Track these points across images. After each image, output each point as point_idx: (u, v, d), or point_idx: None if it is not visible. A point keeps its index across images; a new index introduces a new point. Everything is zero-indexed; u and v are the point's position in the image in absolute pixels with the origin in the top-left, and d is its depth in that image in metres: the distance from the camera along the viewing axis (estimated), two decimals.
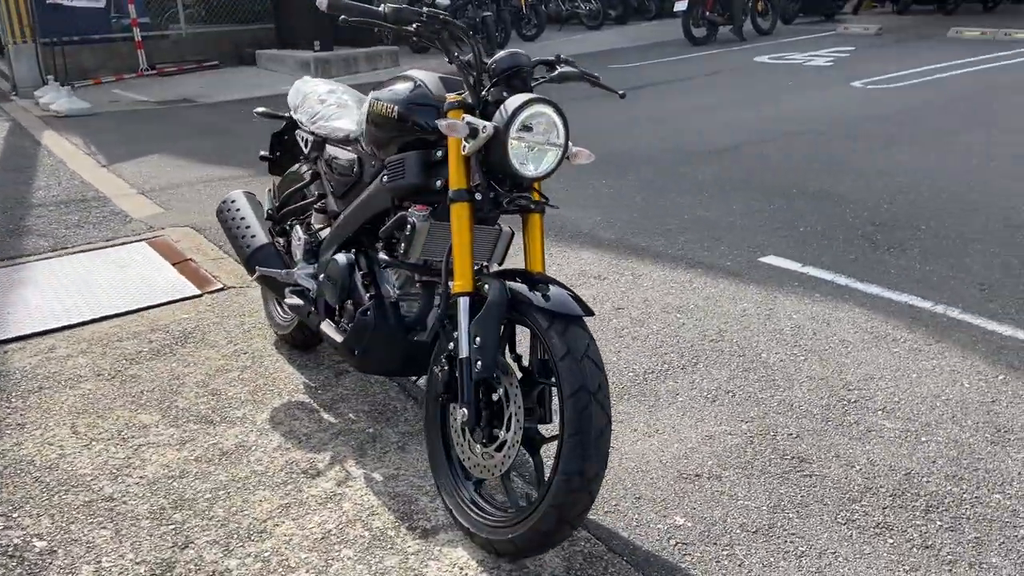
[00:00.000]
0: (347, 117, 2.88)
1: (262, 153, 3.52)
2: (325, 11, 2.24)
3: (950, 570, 2.11)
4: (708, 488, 2.45)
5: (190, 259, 4.52)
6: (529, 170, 2.14)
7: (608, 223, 4.91)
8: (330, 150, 2.86)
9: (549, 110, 2.13)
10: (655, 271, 4.16)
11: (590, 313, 2.00)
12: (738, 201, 5.23)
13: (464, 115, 2.16)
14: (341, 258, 2.67)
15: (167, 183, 6.30)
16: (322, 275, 2.79)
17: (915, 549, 2.18)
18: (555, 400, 2.03)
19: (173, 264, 4.44)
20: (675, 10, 13.23)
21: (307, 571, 2.14)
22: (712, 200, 5.28)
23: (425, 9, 2.23)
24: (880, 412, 2.83)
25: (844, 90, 8.81)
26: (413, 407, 2.94)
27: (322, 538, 2.27)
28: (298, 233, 3.00)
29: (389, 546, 2.23)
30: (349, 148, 2.76)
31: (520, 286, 2.08)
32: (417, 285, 2.55)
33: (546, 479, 2.02)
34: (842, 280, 3.96)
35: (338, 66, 12.05)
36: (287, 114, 3.31)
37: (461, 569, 2.13)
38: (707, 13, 13.38)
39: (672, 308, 3.71)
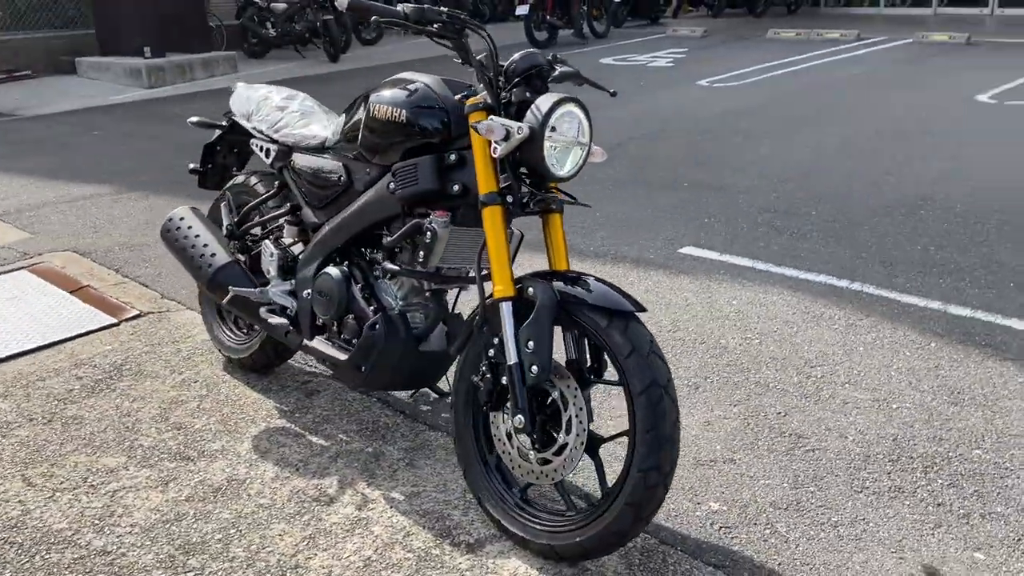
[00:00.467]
0: (316, 123, 2.75)
1: (192, 166, 3.29)
2: (345, 11, 2.15)
3: (967, 522, 2.29)
4: (727, 472, 2.53)
5: (87, 286, 4.13)
6: (560, 170, 2.13)
7: (518, 225, 4.93)
8: (301, 159, 2.72)
9: (578, 109, 2.13)
10: (584, 268, 4.22)
11: (642, 309, 2.02)
12: (639, 196, 5.41)
13: (491, 116, 2.12)
14: (334, 271, 2.55)
15: (22, 204, 5.72)
16: (306, 291, 2.65)
17: (930, 508, 2.35)
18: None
19: (71, 292, 4.05)
20: (517, 14, 13.44)
21: None
22: (614, 196, 5.43)
23: (445, 9, 2.17)
24: (847, 385, 3.02)
25: (693, 89, 9.29)
26: (405, 421, 2.85)
27: (364, 566, 2.16)
28: (269, 248, 2.83)
29: (439, 565, 2.15)
30: (327, 156, 2.64)
31: (567, 287, 2.06)
32: (426, 294, 2.47)
33: (609, 478, 2.02)
34: (761, 265, 4.19)
35: (172, 73, 11.39)
36: (225, 122, 3.12)
37: None
38: (548, 17, 13.70)
39: None
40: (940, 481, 2.47)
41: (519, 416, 2.07)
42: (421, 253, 2.30)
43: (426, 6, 2.16)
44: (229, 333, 3.24)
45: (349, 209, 2.54)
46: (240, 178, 3.11)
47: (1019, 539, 2.22)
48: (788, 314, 3.63)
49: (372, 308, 2.48)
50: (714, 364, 3.20)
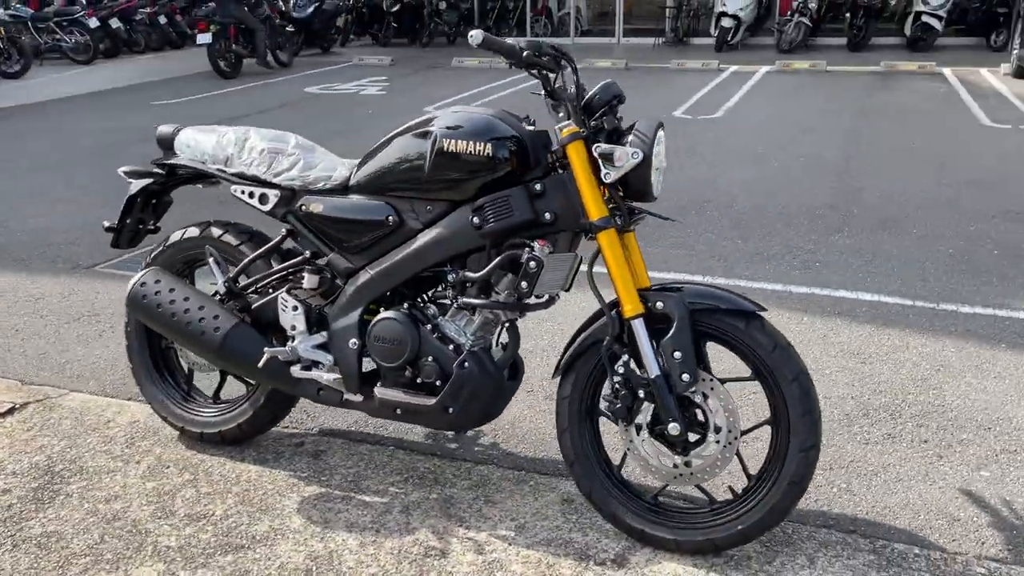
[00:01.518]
0: (324, 163, 2.58)
1: (108, 223, 2.89)
2: (477, 47, 2.12)
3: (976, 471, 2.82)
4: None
5: None
6: (656, 191, 2.28)
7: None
8: (318, 203, 2.53)
9: (663, 134, 2.30)
10: None
11: (764, 308, 2.24)
12: None
13: (599, 144, 2.21)
14: (396, 315, 2.43)
15: None
16: (351, 341, 2.49)
17: (940, 459, 2.85)
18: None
19: None
20: (199, 42, 12.75)
21: None
22: None
23: (549, 46, 2.23)
24: None
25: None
26: (444, 463, 2.76)
27: None
28: (289, 302, 2.57)
29: None
30: (360, 196, 2.49)
31: (694, 297, 2.22)
32: (506, 325, 2.46)
33: (758, 466, 2.22)
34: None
35: None
36: (161, 170, 2.78)
37: (692, 574, 2.20)
38: (233, 46, 13.16)
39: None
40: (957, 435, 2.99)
41: (673, 424, 2.19)
42: (524, 284, 2.30)
43: (540, 40, 2.23)
44: (197, 406, 2.87)
45: (406, 249, 2.43)
46: (193, 231, 2.78)
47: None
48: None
49: (451, 347, 2.41)
50: None
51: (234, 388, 2.91)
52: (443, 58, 14.93)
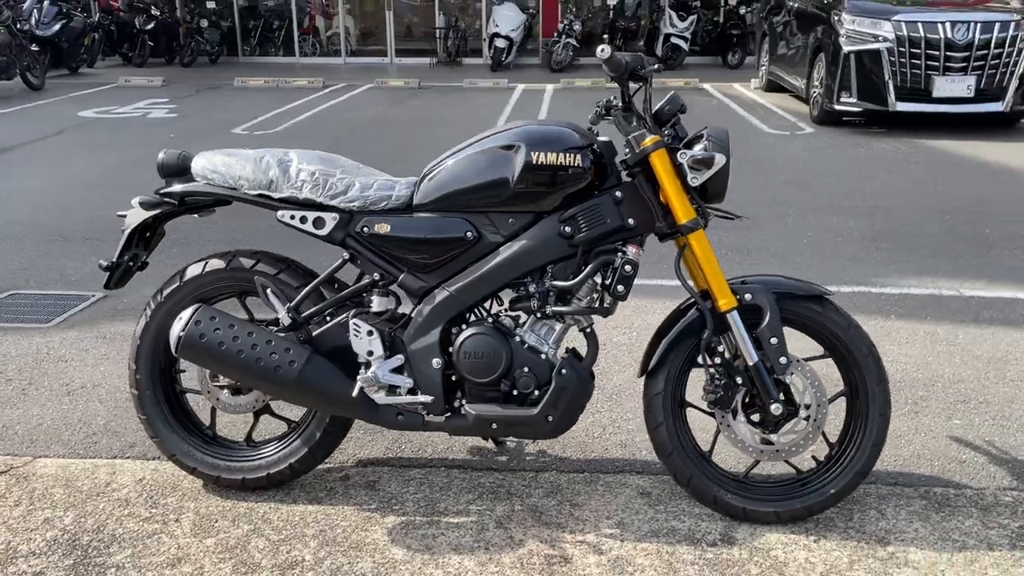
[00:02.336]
0: (379, 180, 2.52)
1: (107, 262, 2.63)
2: (604, 63, 2.19)
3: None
4: None
5: None
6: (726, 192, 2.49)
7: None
8: (384, 223, 2.46)
9: None
10: None
11: (830, 291, 2.51)
12: None
13: (683, 150, 2.37)
14: (484, 329, 2.44)
15: None
16: (434, 360, 2.45)
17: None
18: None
19: None
20: None
21: None
22: None
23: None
24: None
25: (240, 138, 9.11)
26: (509, 476, 2.76)
27: None
28: (363, 327, 2.45)
29: (732, 563, 2.33)
30: (431, 214, 2.46)
31: (776, 288, 2.43)
32: (588, 330, 2.52)
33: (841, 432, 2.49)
34: None
35: None
36: (174, 199, 2.57)
37: (793, 539, 2.41)
38: None
39: None
40: None
41: (775, 405, 2.39)
42: (621, 287, 2.39)
43: (641, 54, 2.34)
44: (230, 451, 2.66)
45: (488, 263, 2.44)
46: (246, 261, 2.58)
47: None
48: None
49: (542, 356, 2.45)
50: None
51: (266, 428, 2.72)
52: (219, 78, 14.23)
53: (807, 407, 2.45)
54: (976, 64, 8.33)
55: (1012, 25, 8.29)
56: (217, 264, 2.60)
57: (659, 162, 2.37)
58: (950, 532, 2.46)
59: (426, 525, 2.51)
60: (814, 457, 2.58)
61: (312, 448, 2.62)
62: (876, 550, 2.38)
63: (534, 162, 2.37)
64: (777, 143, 8.60)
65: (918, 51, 8.38)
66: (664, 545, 2.41)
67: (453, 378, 2.51)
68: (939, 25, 8.34)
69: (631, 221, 2.41)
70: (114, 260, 2.64)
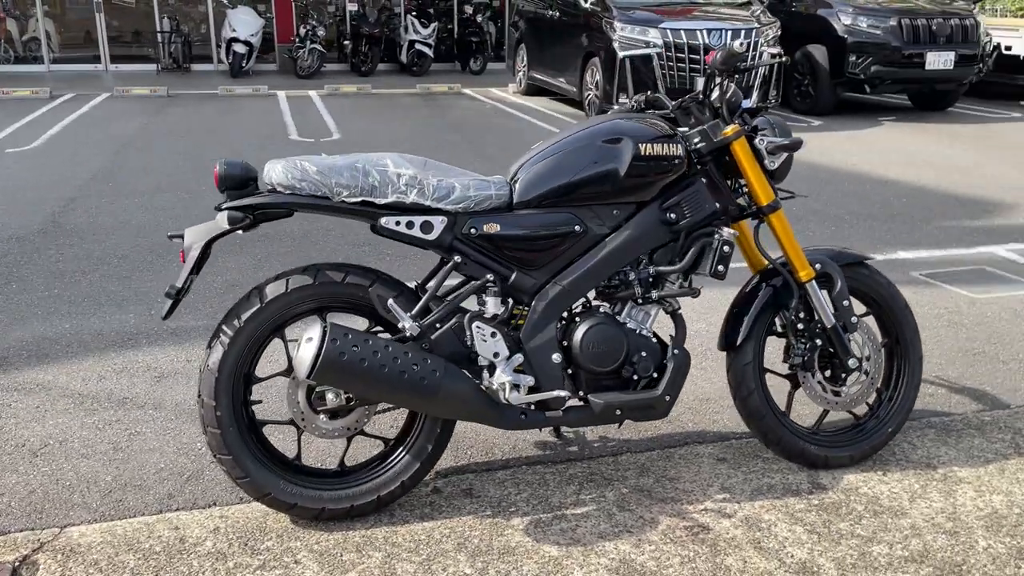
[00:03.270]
0: (472, 180, 2.48)
1: (179, 283, 2.35)
2: (727, 56, 2.36)
3: None
4: None
5: None
6: None
7: None
8: (490, 223, 2.43)
9: None
10: None
11: (870, 256, 2.86)
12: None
13: (761, 138, 2.61)
14: (601, 319, 2.52)
15: None
16: (554, 355, 2.48)
17: None
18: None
19: None
20: None
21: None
22: None
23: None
24: None
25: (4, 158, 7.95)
26: (583, 464, 2.82)
27: (802, 567, 2.46)
28: (487, 330, 2.39)
29: (837, 503, 2.60)
30: (534, 211, 2.47)
31: (836, 259, 2.74)
32: (678, 311, 2.66)
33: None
34: None
35: None
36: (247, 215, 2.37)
37: (868, 477, 2.74)
38: None
39: None
40: None
41: (852, 359, 2.70)
42: (721, 267, 2.56)
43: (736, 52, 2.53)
44: (324, 480, 2.49)
45: (596, 256, 2.50)
46: (335, 275, 2.41)
47: None
48: None
49: (653, 340, 2.56)
50: None
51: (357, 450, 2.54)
52: None
53: (868, 359, 2.79)
54: None
55: (753, 32, 9.53)
56: (303, 280, 2.40)
57: (741, 149, 2.58)
58: (970, 451, 2.93)
59: (555, 520, 2.52)
60: (867, 403, 2.93)
61: (423, 462, 2.51)
62: (932, 474, 2.78)
63: (642, 153, 2.48)
64: None
65: (683, 55, 9.37)
66: (773, 500, 2.63)
67: (569, 371, 2.54)
68: (698, 32, 9.39)
69: (718, 205, 2.59)
70: (180, 285, 2.34)
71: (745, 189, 2.67)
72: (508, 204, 2.48)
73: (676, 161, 2.51)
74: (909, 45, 10.20)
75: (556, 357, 2.49)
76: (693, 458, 2.88)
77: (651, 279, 2.59)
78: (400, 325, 2.38)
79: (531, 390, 2.49)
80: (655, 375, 2.56)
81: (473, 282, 2.48)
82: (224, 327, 2.39)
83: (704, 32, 9.39)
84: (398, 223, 2.39)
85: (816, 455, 2.77)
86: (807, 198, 3.01)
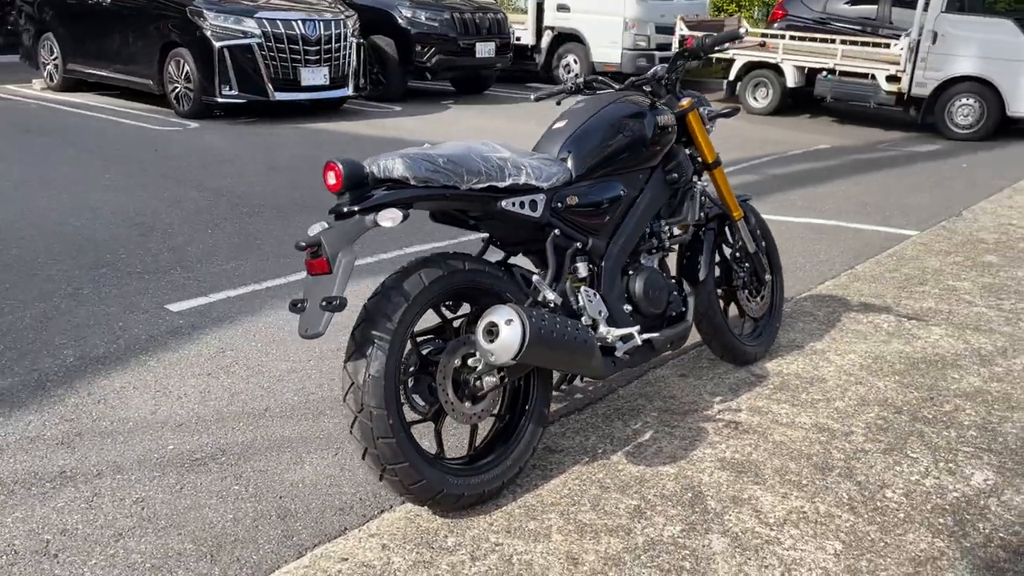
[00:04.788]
0: (538, 157, 2.69)
1: (335, 300, 2.21)
2: (698, 41, 2.88)
3: None
4: None
5: None
6: None
7: None
8: (573, 194, 2.69)
9: None
10: None
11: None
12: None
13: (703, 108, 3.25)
14: (651, 270, 2.94)
15: None
16: (627, 307, 2.86)
17: None
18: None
19: None
20: None
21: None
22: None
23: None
24: None
25: None
26: (604, 402, 3.18)
27: (814, 426, 3.23)
28: (591, 293, 2.64)
29: (780, 383, 3.39)
30: (589, 183, 2.77)
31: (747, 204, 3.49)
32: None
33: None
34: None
35: None
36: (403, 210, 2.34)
37: (786, 358, 3.58)
38: None
39: None
40: None
41: (768, 276, 3.50)
42: (702, 214, 3.14)
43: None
44: (483, 462, 2.54)
45: (633, 216, 2.89)
46: (460, 263, 2.44)
47: None
48: None
49: (674, 281, 3.06)
50: None
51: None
52: None
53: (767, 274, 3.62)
54: (327, 56, 9.75)
55: (343, 23, 9.91)
56: (436, 272, 2.38)
57: (694, 118, 3.17)
58: (806, 331, 3.96)
59: (636, 448, 2.87)
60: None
61: (544, 424, 2.66)
62: (805, 350, 3.73)
63: (659, 124, 2.93)
64: (169, 137, 8.52)
65: (283, 45, 9.36)
66: (751, 392, 3.31)
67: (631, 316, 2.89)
68: (295, 23, 9.44)
69: (692, 164, 3.16)
70: (340, 294, 2.16)
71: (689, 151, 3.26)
72: (570, 179, 2.73)
73: (672, 129, 3.00)
74: (463, 36, 11.54)
75: (628, 307, 2.83)
76: (669, 379, 3.41)
77: (662, 231, 3.05)
78: (541, 297, 2.52)
79: (622, 340, 2.79)
80: (683, 310, 3.05)
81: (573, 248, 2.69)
82: (374, 332, 2.26)
83: (301, 23, 9.48)
84: (514, 204, 2.50)
85: (750, 353, 3.53)
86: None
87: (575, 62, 13.18)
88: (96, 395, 3.18)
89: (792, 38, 11.31)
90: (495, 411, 2.61)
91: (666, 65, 3.13)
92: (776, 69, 11.34)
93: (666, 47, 12.54)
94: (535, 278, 2.55)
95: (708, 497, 2.61)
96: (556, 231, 2.64)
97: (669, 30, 12.43)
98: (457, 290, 2.45)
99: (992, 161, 8.89)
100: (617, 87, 3.12)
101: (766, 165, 8.16)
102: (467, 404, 2.46)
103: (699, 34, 3.18)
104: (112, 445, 2.85)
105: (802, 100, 11.78)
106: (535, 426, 2.65)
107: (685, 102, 3.12)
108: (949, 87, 10.25)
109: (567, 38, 13.19)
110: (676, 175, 3.04)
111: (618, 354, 2.74)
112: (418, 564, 2.25)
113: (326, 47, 9.72)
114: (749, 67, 11.61)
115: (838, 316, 4.15)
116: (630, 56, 12.49)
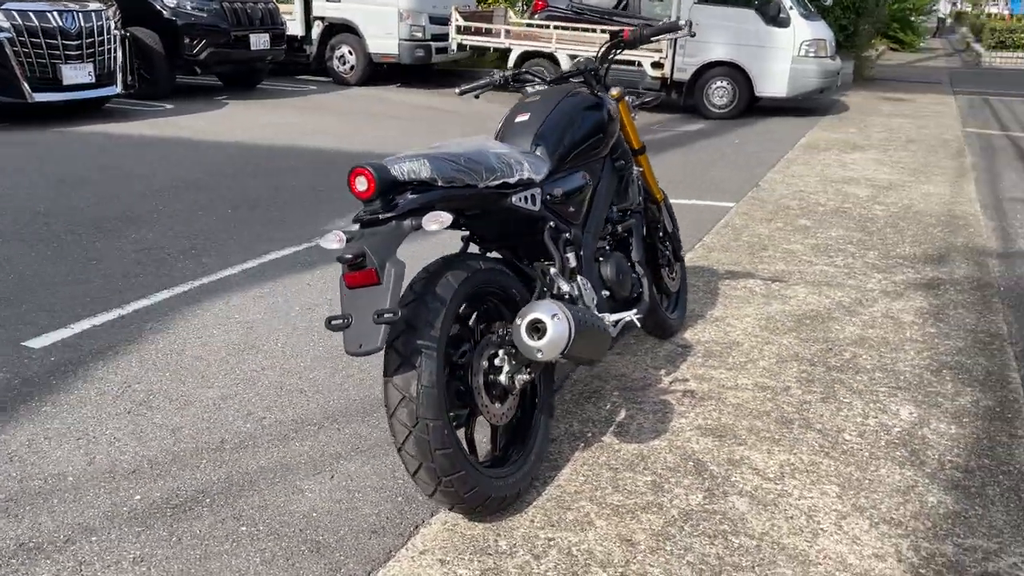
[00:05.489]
0: (520, 151, 2.70)
1: (388, 315, 2.14)
2: (631, 40, 3.01)
3: None
4: None
5: None
6: None
7: None
8: (558, 186, 2.72)
9: None
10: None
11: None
12: None
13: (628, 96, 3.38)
14: (616, 256, 3.04)
15: None
16: (604, 292, 2.92)
17: None
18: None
19: None
20: None
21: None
22: None
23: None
24: None
25: None
26: (616, 379, 3.23)
27: (756, 385, 3.48)
28: (584, 281, 2.64)
29: (717, 348, 3.63)
30: (567, 174, 2.81)
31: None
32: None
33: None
34: None
35: None
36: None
37: (704, 328, 3.83)
38: None
39: None
40: None
41: (682, 252, 3.70)
42: (640, 198, 3.26)
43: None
44: (513, 460, 2.51)
45: (597, 205, 2.97)
46: (482, 263, 2.37)
47: None
48: None
49: (630, 264, 3.17)
50: None
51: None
52: None
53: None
54: (90, 51, 8.81)
55: (104, 15, 9.00)
56: (462, 274, 2.31)
57: (623, 107, 3.30)
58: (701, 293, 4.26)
59: (620, 425, 2.96)
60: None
61: (552, 414, 2.67)
62: (710, 317, 4.01)
63: (611, 114, 3.01)
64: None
65: (39, 40, 8.34)
66: (689, 361, 3.51)
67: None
68: (49, 15, 8.43)
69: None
70: (394, 307, 2.05)
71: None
72: (549, 171, 2.75)
73: (618, 120, 3.10)
74: (236, 28, 10.89)
75: (605, 293, 2.90)
76: (608, 359, 3.52)
77: (614, 216, 3.15)
78: (556, 289, 2.52)
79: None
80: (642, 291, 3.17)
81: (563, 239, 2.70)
82: (420, 341, 2.16)
83: (56, 15, 8.48)
84: (520, 199, 2.48)
85: (674, 326, 3.73)
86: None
87: (350, 53, 12.90)
88: (0, 453, 2.74)
89: (560, 28, 11.86)
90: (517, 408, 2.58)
91: (598, 56, 3.22)
92: (551, 58, 11.83)
93: (442, 37, 12.64)
94: (552, 270, 2.55)
95: (708, 463, 2.75)
96: (551, 223, 2.65)
97: (443, 21, 12.55)
98: (478, 291, 2.39)
99: (755, 135, 9.92)
100: (549, 79, 3.16)
101: None
102: (497, 405, 2.42)
103: (635, 24, 3.30)
104: (62, 505, 2.47)
105: None
106: (546, 417, 2.65)
107: (615, 92, 3.22)
108: (705, 72, 11.29)
109: (340, 28, 12.87)
110: (623, 161, 3.15)
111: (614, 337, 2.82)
112: (487, 572, 2.19)
113: (88, 41, 8.79)
114: (525, 56, 12.01)
115: (716, 285, 4.48)
116: (408, 47, 12.44)
